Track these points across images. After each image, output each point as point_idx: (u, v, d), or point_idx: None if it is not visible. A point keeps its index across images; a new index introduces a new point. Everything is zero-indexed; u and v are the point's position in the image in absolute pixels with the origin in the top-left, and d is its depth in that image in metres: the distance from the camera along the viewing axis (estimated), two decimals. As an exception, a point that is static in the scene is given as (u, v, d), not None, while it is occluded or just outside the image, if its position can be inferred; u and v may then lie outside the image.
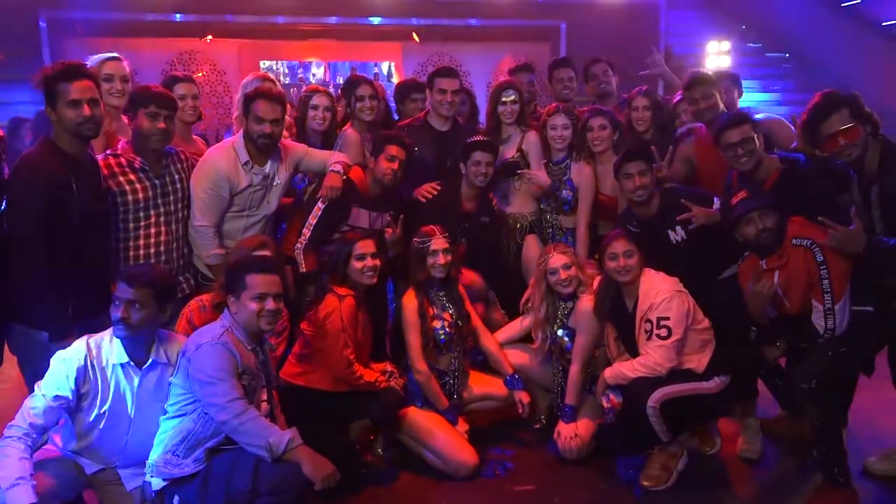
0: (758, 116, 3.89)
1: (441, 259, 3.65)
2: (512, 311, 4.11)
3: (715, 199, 3.66)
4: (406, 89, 4.88)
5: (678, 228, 3.70)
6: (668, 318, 3.34)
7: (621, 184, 3.79)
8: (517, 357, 3.88)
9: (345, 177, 3.82)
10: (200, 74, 8.68)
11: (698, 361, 3.42)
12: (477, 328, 3.86)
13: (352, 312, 3.40)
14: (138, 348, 2.85)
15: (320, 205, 3.77)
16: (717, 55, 8.74)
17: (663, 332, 3.34)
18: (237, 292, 2.89)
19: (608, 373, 3.49)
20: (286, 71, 9.19)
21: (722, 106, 4.05)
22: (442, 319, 3.69)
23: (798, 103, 8.15)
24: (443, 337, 3.68)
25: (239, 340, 2.86)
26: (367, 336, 3.60)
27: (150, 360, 2.86)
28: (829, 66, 9.70)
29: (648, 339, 3.38)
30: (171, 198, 3.53)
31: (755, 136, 3.51)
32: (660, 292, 3.39)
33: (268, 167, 3.72)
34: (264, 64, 9.06)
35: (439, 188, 4.09)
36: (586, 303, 3.68)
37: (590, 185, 4.20)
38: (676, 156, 4.12)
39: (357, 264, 3.48)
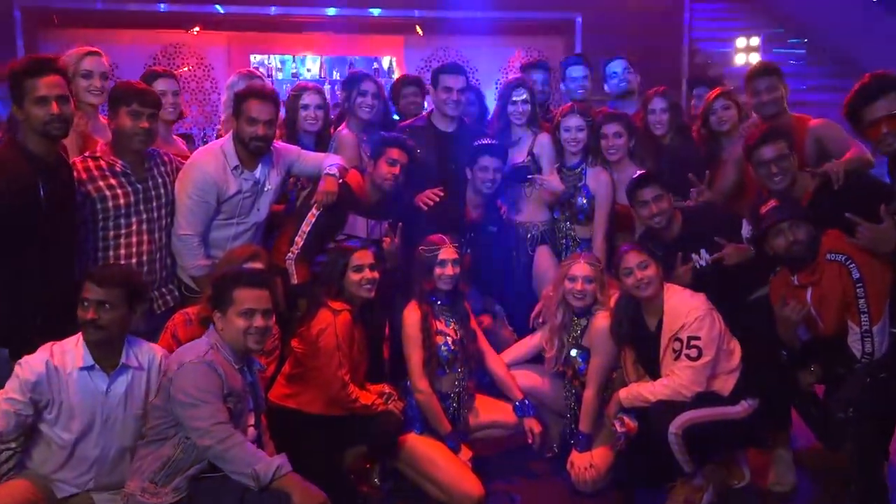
0: (813, 123, 3.90)
1: (449, 270, 3.66)
2: (520, 329, 4.11)
3: (744, 224, 3.66)
4: (399, 84, 4.90)
5: (703, 252, 3.71)
6: (698, 338, 3.34)
7: (636, 211, 3.81)
8: (526, 379, 3.88)
9: (341, 181, 3.83)
10: (186, 69, 8.72)
11: (724, 383, 3.41)
12: (482, 349, 3.86)
13: (347, 329, 3.40)
14: (107, 353, 2.88)
15: (314, 211, 3.78)
16: (746, 51, 8.73)
17: (693, 353, 3.34)
18: (224, 307, 2.90)
19: (623, 394, 3.48)
20: (279, 66, 9.20)
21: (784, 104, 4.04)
22: (445, 335, 3.70)
23: (836, 105, 8.13)
24: (446, 354, 3.67)
25: (225, 359, 2.87)
26: (364, 354, 3.60)
27: (119, 364, 2.89)
28: (871, 63, 9.68)
29: (677, 358, 3.38)
30: (154, 204, 3.54)
31: (791, 153, 3.52)
32: (691, 310, 3.39)
33: (258, 172, 3.73)
34: (255, 58, 9.09)
35: (442, 194, 4.10)
36: (602, 320, 3.68)
37: (607, 192, 4.21)
38: (727, 160, 4.11)
39: (354, 276, 3.48)
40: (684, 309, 3.41)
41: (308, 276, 3.77)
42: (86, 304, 2.84)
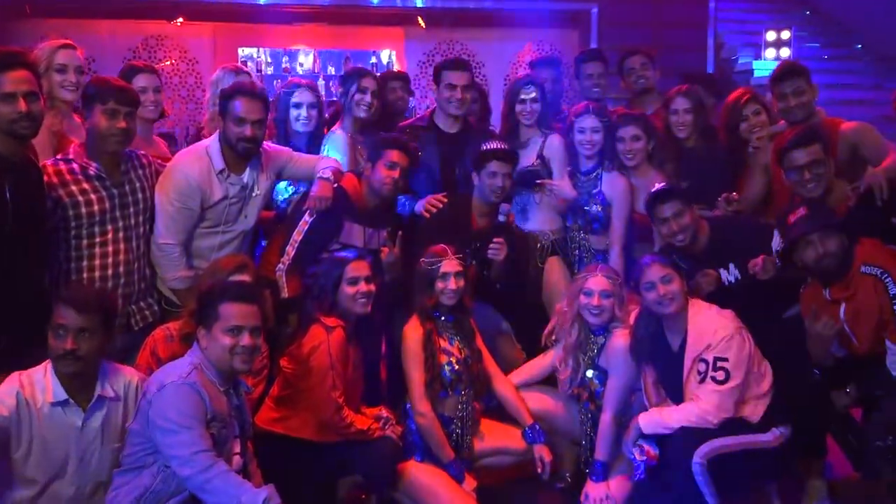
0: (846, 127, 3.89)
1: (452, 284, 3.66)
2: (530, 347, 4.11)
3: (775, 235, 3.65)
4: (383, 79, 4.94)
5: (731, 267, 3.71)
6: (726, 360, 3.33)
7: (656, 227, 3.81)
8: (537, 402, 3.87)
9: (336, 185, 3.83)
10: (168, 63, 8.72)
11: (753, 409, 3.40)
12: (489, 370, 3.85)
13: (341, 347, 3.39)
14: (81, 385, 2.87)
15: (307, 218, 3.78)
16: (776, 45, 8.74)
17: (720, 376, 3.33)
18: (208, 323, 2.90)
19: (643, 419, 3.47)
20: (269, 60, 9.20)
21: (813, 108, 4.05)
22: (449, 354, 3.70)
23: (872, 104, 8.12)
24: (449, 374, 3.68)
25: (209, 381, 2.86)
26: (359, 375, 3.60)
27: (94, 397, 2.88)
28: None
29: (702, 381, 3.36)
30: (132, 210, 3.55)
31: (826, 158, 3.51)
32: (719, 329, 3.38)
33: (246, 176, 3.74)
34: (243, 51, 9.08)
35: (446, 200, 4.09)
36: (620, 339, 3.67)
37: (625, 200, 4.21)
38: (754, 166, 4.11)
39: (348, 290, 3.48)
40: (711, 327, 3.40)
41: (299, 288, 3.76)
42: (61, 332, 2.81)
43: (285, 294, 3.77)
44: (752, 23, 9.49)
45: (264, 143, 3.87)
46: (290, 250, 3.79)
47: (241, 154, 3.69)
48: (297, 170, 3.96)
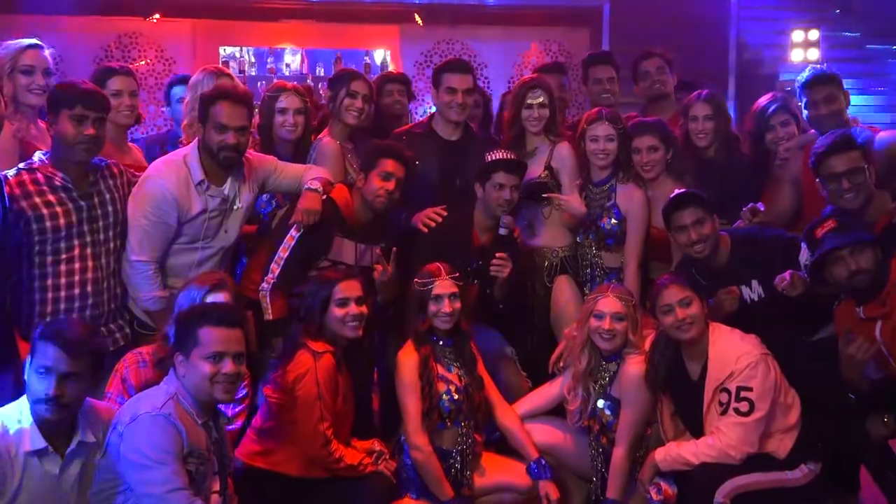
0: (882, 136, 3.91)
1: (447, 306, 3.66)
2: (536, 374, 4.10)
3: (803, 246, 3.66)
4: (380, 81, 4.96)
5: (754, 284, 3.71)
6: (750, 389, 3.33)
7: (673, 237, 3.81)
8: (544, 434, 3.86)
9: (325, 197, 3.83)
10: (143, 63, 8.74)
11: (780, 443, 3.39)
12: (491, 399, 3.84)
13: (330, 375, 3.39)
14: (61, 430, 2.82)
15: (293, 233, 3.78)
16: (803, 46, 8.77)
17: (744, 407, 3.32)
18: (186, 349, 2.89)
19: (660, 454, 3.46)
20: (253, 60, 9.20)
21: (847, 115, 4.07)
22: (448, 382, 3.69)
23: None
24: (448, 405, 3.66)
25: (187, 412, 2.84)
26: (350, 405, 3.60)
27: (73, 443, 2.84)
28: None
29: (723, 413, 3.36)
30: (101, 224, 3.55)
31: (866, 166, 3.51)
32: (742, 356, 3.38)
33: (227, 187, 3.74)
34: (225, 51, 9.09)
35: (445, 214, 4.09)
36: (634, 366, 3.66)
37: (641, 214, 4.21)
38: (782, 177, 4.12)
39: (338, 312, 3.48)
40: (733, 354, 3.39)
41: (285, 310, 3.76)
42: (43, 372, 2.73)
43: (269, 316, 3.76)
44: (777, 21, 9.53)
45: (248, 151, 3.87)
46: (275, 268, 3.78)
47: (222, 164, 3.69)
48: (283, 180, 3.96)
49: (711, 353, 3.45)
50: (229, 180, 3.75)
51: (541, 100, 4.31)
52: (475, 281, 4.01)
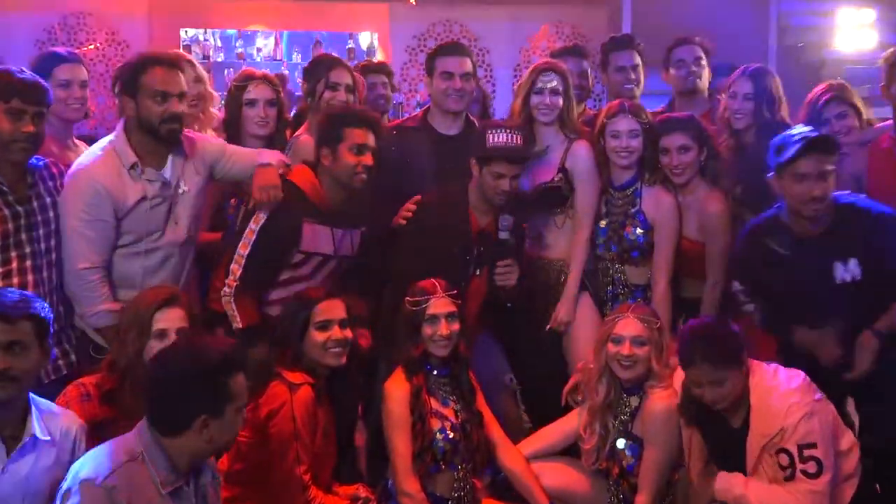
0: None
1: (443, 328, 3.65)
2: (542, 410, 4.10)
3: None
4: (361, 72, 4.94)
5: (852, 262, 3.65)
6: (814, 446, 3.28)
7: (788, 189, 3.67)
8: (555, 477, 3.85)
9: (282, 172, 3.83)
10: (93, 47, 8.75)
11: (841, 494, 3.38)
12: (493, 437, 3.84)
13: (308, 410, 3.37)
14: (8, 417, 2.82)
15: (252, 226, 3.74)
16: (854, 30, 8.77)
17: (811, 468, 3.27)
18: None
19: (721, 483, 3.43)
20: (219, 44, 9.23)
21: None
22: (442, 419, 3.69)
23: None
24: (442, 445, 3.66)
25: (150, 478, 2.73)
26: (332, 444, 3.58)
27: (25, 438, 2.83)
28: None
29: (789, 478, 3.31)
30: (41, 232, 3.55)
31: None
32: (791, 407, 3.31)
33: (168, 169, 3.73)
34: (187, 33, 9.12)
35: (420, 199, 4.07)
36: (660, 400, 3.64)
37: (673, 222, 4.19)
38: (841, 174, 4.11)
39: (318, 336, 3.48)
40: (781, 406, 3.33)
41: (256, 316, 3.75)
42: None
43: (238, 324, 3.72)
44: (824, 1, 9.55)
45: (192, 132, 3.87)
46: (236, 268, 3.73)
47: (165, 138, 3.67)
48: (234, 166, 3.92)
49: (754, 401, 3.40)
50: (170, 160, 3.74)
51: (553, 84, 4.26)
52: (478, 272, 4.00)
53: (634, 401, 3.72)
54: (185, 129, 3.82)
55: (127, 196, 3.63)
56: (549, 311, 4.29)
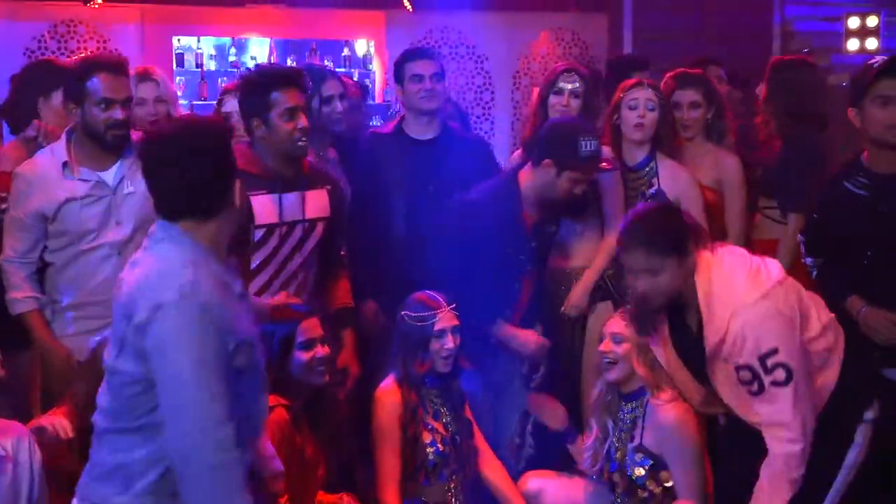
0: None
1: (450, 342, 3.67)
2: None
3: None
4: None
5: None
6: (776, 351, 3.08)
7: (871, 118, 3.59)
8: (557, 493, 3.83)
9: None
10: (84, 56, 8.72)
11: (825, 379, 3.25)
12: (478, 446, 3.85)
13: (283, 433, 3.29)
14: None
15: None
16: (859, 34, 8.77)
17: (780, 375, 3.08)
18: None
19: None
20: (212, 52, 9.22)
21: None
22: (433, 432, 3.69)
23: None
24: (433, 459, 3.67)
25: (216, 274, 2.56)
26: (319, 457, 3.55)
27: None
28: None
29: (758, 392, 3.14)
30: None
31: None
32: (737, 312, 3.11)
33: (113, 171, 3.78)
34: (180, 41, 9.10)
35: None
36: (670, 413, 3.53)
37: (695, 190, 4.19)
38: None
39: (303, 356, 3.43)
40: (723, 312, 3.14)
41: None
42: None
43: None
44: (829, 5, 9.53)
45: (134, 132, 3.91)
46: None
47: (111, 144, 3.75)
48: None
49: (700, 302, 3.22)
50: (118, 163, 3.80)
51: (575, 85, 4.28)
52: (528, 267, 4.02)
53: (634, 406, 3.65)
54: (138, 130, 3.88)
55: (55, 192, 3.73)
56: (566, 322, 4.30)
